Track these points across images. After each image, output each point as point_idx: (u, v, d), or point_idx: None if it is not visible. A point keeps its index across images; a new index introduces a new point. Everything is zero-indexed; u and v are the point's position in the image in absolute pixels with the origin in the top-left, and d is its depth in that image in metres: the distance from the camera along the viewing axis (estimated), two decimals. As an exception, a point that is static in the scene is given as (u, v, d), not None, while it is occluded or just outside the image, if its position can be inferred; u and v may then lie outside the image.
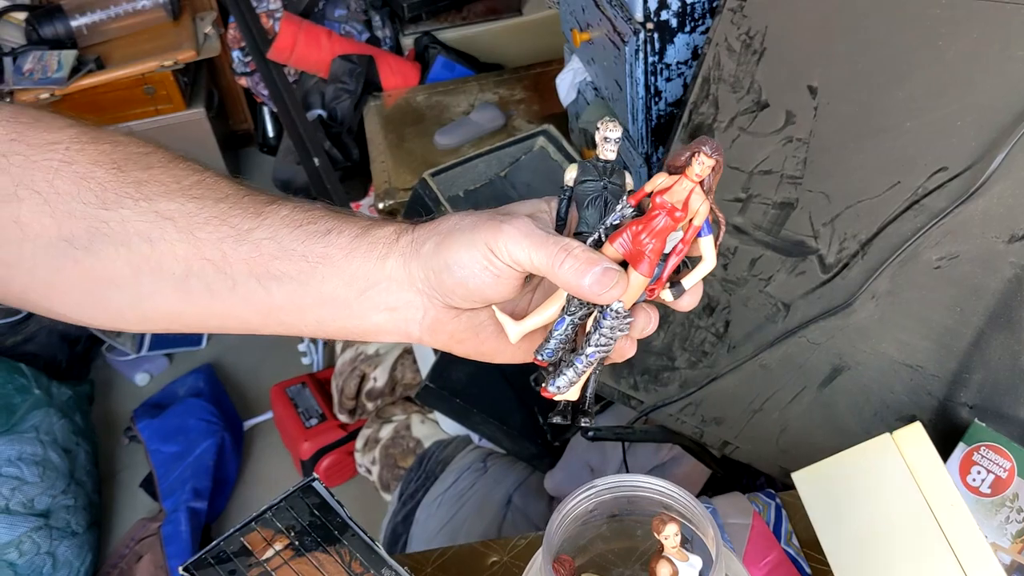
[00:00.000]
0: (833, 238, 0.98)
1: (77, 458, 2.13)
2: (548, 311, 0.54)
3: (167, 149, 0.60)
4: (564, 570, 0.58)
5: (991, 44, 0.88)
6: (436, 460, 1.65)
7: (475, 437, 1.63)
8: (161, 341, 2.55)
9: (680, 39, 1.23)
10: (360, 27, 2.54)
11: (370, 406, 1.95)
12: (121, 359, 2.55)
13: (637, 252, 0.51)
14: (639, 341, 0.57)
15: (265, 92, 2.53)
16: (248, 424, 2.41)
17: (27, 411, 2.05)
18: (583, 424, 0.58)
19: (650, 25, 1.21)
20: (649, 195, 0.51)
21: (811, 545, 0.78)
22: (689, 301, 0.54)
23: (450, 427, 1.72)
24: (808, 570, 0.81)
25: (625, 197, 0.52)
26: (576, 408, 0.58)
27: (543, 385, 0.54)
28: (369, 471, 1.92)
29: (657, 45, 1.24)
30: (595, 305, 0.53)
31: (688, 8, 1.20)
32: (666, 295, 0.53)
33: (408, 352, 1.91)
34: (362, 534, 0.68)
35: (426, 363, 1.65)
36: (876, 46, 0.96)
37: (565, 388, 0.54)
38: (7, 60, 2.63)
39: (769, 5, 1.04)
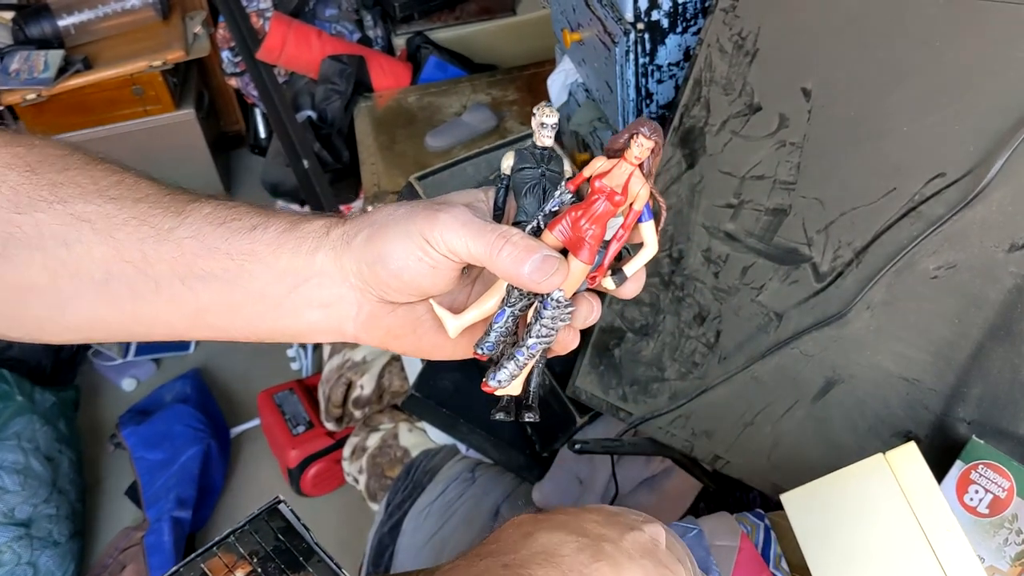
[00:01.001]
0: (827, 246, 0.94)
1: (60, 466, 2.10)
2: (488, 303, 0.52)
3: (86, 151, 0.58)
4: None
5: (991, 45, 0.85)
6: (423, 470, 1.62)
7: (463, 447, 1.59)
8: (149, 346, 2.52)
9: (671, 40, 1.20)
10: (351, 27, 2.50)
11: (357, 414, 1.92)
12: (108, 364, 2.52)
13: (577, 239, 0.50)
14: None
15: (255, 93, 2.50)
16: (235, 431, 2.38)
17: (9, 418, 2.02)
18: (527, 419, 0.56)
19: (640, 25, 1.18)
20: (588, 180, 0.50)
21: (801, 570, 0.74)
22: (632, 288, 0.53)
23: (438, 436, 1.68)
24: (798, 595, 0.78)
25: (564, 183, 0.51)
26: (519, 403, 0.56)
27: (484, 379, 0.52)
28: (356, 480, 1.89)
29: (648, 46, 1.20)
30: (536, 295, 0.52)
31: (679, 8, 1.16)
32: (608, 283, 0.52)
33: (396, 359, 1.88)
34: (328, 560, 0.64)
35: (414, 371, 1.62)
36: (872, 48, 0.93)
37: (506, 382, 0.52)
38: (-6, 60, 2.60)
39: (762, 5, 1.01)
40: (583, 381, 1.14)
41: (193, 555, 0.64)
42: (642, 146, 0.48)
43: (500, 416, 0.56)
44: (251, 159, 3.10)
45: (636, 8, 1.15)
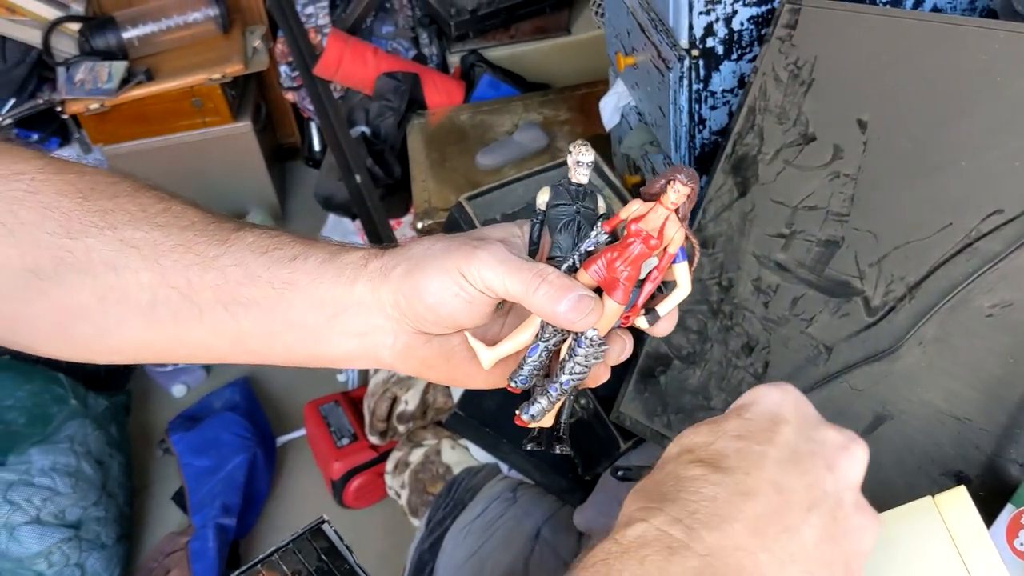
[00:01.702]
0: (880, 279, 0.93)
1: (110, 470, 2.14)
2: (521, 337, 0.53)
3: (135, 179, 0.60)
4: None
5: (1053, 82, 0.84)
6: (465, 488, 1.62)
7: (504, 467, 1.59)
8: (199, 353, 2.55)
9: (726, 67, 1.20)
10: (407, 44, 2.53)
11: (401, 429, 1.93)
12: (159, 370, 2.56)
13: (612, 279, 0.50)
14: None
15: (311, 107, 2.54)
16: (281, 440, 2.40)
17: (63, 421, 2.06)
18: (558, 451, 0.57)
19: (695, 52, 1.17)
20: (623, 222, 0.51)
21: (846, 610, 0.73)
22: (664, 327, 0.54)
23: (480, 454, 1.69)
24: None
25: (599, 223, 0.52)
26: (551, 435, 0.57)
27: (517, 412, 0.53)
28: (398, 494, 1.89)
29: (702, 72, 1.20)
30: (569, 332, 0.52)
31: (735, 36, 1.16)
32: (641, 322, 0.53)
33: (441, 375, 1.88)
34: (369, 582, 0.65)
35: (458, 389, 1.63)
36: (931, 80, 0.92)
37: (539, 416, 0.53)
38: (60, 70, 2.67)
39: (819, 35, 1.01)
40: (627, 407, 1.14)
41: (237, 572, 0.65)
42: (679, 192, 0.49)
43: (531, 446, 0.57)
44: (306, 172, 3.14)
45: (691, 35, 1.15)
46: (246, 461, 2.18)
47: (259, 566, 0.66)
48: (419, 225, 1.97)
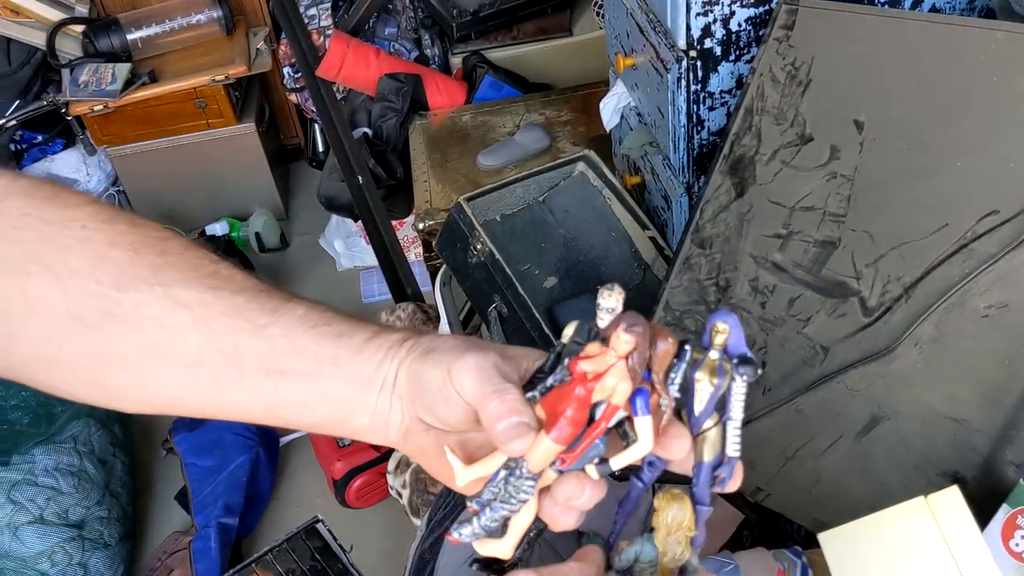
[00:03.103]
0: (876, 280, 0.93)
1: (113, 469, 2.14)
2: (496, 460, 0.51)
3: (182, 235, 0.60)
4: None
5: (1049, 82, 0.84)
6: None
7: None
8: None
9: (724, 68, 1.20)
10: (410, 45, 2.53)
11: (401, 453, 1.93)
12: (163, 370, 2.56)
13: (552, 416, 0.49)
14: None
15: (314, 108, 2.54)
16: (284, 440, 2.41)
17: (67, 421, 2.07)
18: None
19: (693, 53, 1.18)
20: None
21: (839, 610, 0.73)
22: (566, 518, 0.51)
23: (482, 454, 1.68)
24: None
25: (567, 360, 0.50)
26: (496, 564, 0.55)
27: (449, 529, 0.52)
28: (400, 494, 1.89)
29: (700, 73, 1.20)
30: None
31: (733, 36, 1.16)
32: (591, 470, 0.50)
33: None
34: (362, 582, 0.65)
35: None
36: (928, 81, 0.92)
37: (468, 537, 0.51)
38: (64, 72, 2.68)
39: (816, 36, 1.01)
40: (626, 407, 1.14)
41: (232, 572, 0.66)
42: (619, 340, 0.47)
43: (475, 567, 0.56)
44: (309, 172, 3.15)
45: (689, 36, 1.15)
46: (248, 461, 2.18)
47: (253, 565, 0.66)
48: (420, 226, 1.97)
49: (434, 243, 1.65)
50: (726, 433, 0.51)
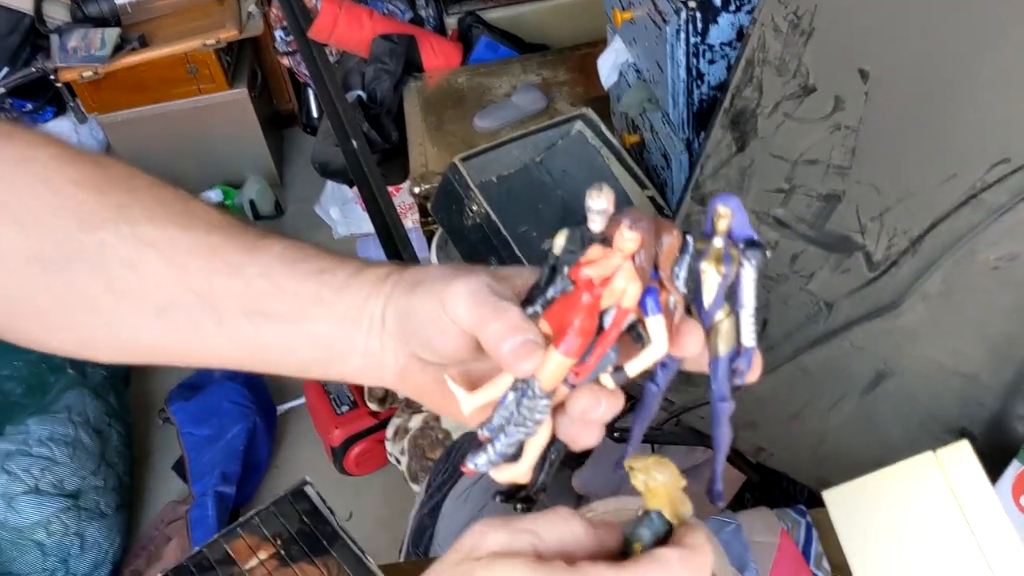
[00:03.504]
0: (882, 234, 0.91)
1: (109, 439, 2.13)
2: (502, 383, 0.48)
3: (151, 174, 0.57)
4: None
5: (1063, 24, 0.80)
6: (464, 453, 1.61)
7: (503, 432, 1.58)
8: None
9: (724, 19, 1.16)
10: (403, 6, 2.49)
11: (400, 395, 1.92)
12: (159, 339, 2.54)
13: (560, 329, 0.46)
14: None
15: (307, 72, 2.50)
16: (281, 408, 2.39)
17: (60, 391, 2.05)
18: (518, 510, 0.52)
19: (693, 4, 1.14)
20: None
21: (843, 569, 0.71)
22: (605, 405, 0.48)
23: (480, 419, 1.67)
24: (840, 596, 0.75)
25: (566, 268, 0.47)
26: (520, 492, 0.52)
27: (463, 460, 0.49)
28: (398, 460, 1.88)
29: (700, 25, 1.17)
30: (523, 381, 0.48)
31: (733, -15, 1.13)
32: (606, 380, 0.48)
33: (439, 341, 1.87)
34: (352, 544, 0.63)
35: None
36: (935, 28, 0.89)
37: (484, 467, 0.49)
38: (53, 38, 2.64)
39: (819, -18, 0.97)
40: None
41: (216, 536, 0.64)
42: (624, 238, 0.44)
43: (499, 499, 0.53)
44: (303, 138, 3.11)
45: (688, -15, 1.12)
46: (245, 430, 2.17)
47: (239, 530, 0.64)
48: (416, 190, 1.94)
49: (429, 206, 1.62)
50: (739, 323, 0.48)
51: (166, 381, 2.48)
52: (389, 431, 1.94)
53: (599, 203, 0.45)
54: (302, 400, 2.35)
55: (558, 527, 0.45)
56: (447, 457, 1.65)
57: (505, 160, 1.49)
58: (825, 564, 0.77)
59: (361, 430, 2.11)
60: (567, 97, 2.08)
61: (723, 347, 0.48)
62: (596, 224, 0.46)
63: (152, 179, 0.56)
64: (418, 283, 0.51)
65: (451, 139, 2.01)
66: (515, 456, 0.49)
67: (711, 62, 1.22)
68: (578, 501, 1.42)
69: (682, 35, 1.18)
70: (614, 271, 0.45)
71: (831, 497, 0.72)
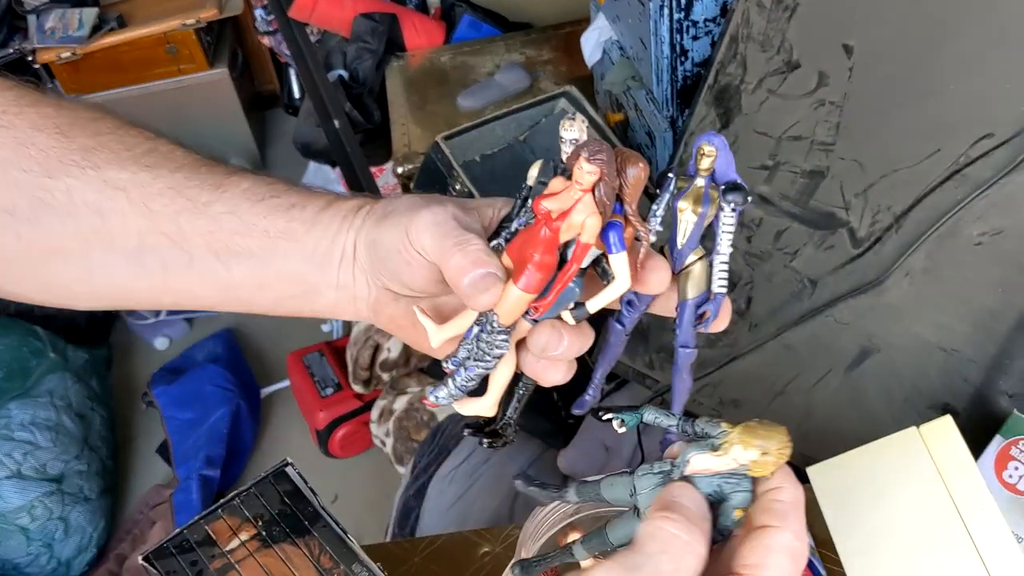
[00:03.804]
0: (866, 210, 0.90)
1: (92, 423, 2.11)
2: (469, 317, 0.48)
3: (116, 115, 0.56)
4: (545, 578, 0.53)
5: (1047, -3, 0.80)
6: (449, 434, 1.60)
7: (488, 412, 1.58)
8: (181, 305, 2.52)
9: (708, -6, 1.15)
10: (386, -15, 2.46)
11: (385, 377, 1.91)
12: (141, 323, 2.52)
13: (520, 263, 0.45)
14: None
15: (288, 52, 2.47)
16: (266, 391, 2.38)
17: (42, 375, 2.03)
18: (484, 444, 0.52)
19: (676, -21, 1.13)
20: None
21: (828, 545, 0.71)
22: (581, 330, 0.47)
23: (465, 400, 1.67)
24: (823, 571, 0.75)
25: (530, 200, 0.46)
26: (488, 427, 0.52)
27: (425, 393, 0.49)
28: (383, 443, 1.88)
29: (683, 1, 1.16)
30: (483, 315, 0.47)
31: (717, -40, 1.12)
32: (567, 316, 0.47)
33: (423, 322, 1.86)
34: (334, 525, 0.63)
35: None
36: (919, 2, 0.88)
37: (445, 399, 0.48)
38: (31, 18, 2.60)
39: (803, -44, 0.97)
40: (609, 347, 1.11)
41: (196, 517, 0.63)
42: (582, 170, 0.42)
43: (467, 432, 0.53)
44: (285, 119, 3.08)
45: (671, -40, 1.11)
46: (229, 413, 2.16)
47: (220, 511, 0.63)
48: (399, 170, 1.92)
49: (412, 185, 1.61)
50: (712, 268, 0.47)
51: (148, 365, 2.46)
52: (374, 413, 1.93)
53: (571, 132, 0.44)
54: (286, 383, 2.34)
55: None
56: (432, 439, 1.65)
57: (488, 139, 1.48)
58: (809, 539, 0.77)
59: (346, 412, 2.11)
60: (551, 76, 2.06)
61: (692, 291, 0.48)
62: (566, 155, 0.45)
63: (118, 121, 0.55)
64: (387, 214, 0.50)
65: (434, 119, 1.99)
66: (480, 390, 0.49)
67: (695, 38, 1.21)
68: (564, 481, 1.42)
69: (666, 11, 1.17)
70: (573, 204, 0.43)
71: (815, 472, 0.72)
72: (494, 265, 0.45)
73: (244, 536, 0.62)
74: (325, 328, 2.44)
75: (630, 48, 1.38)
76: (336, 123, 2.05)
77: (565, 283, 0.45)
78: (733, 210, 0.46)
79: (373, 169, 2.25)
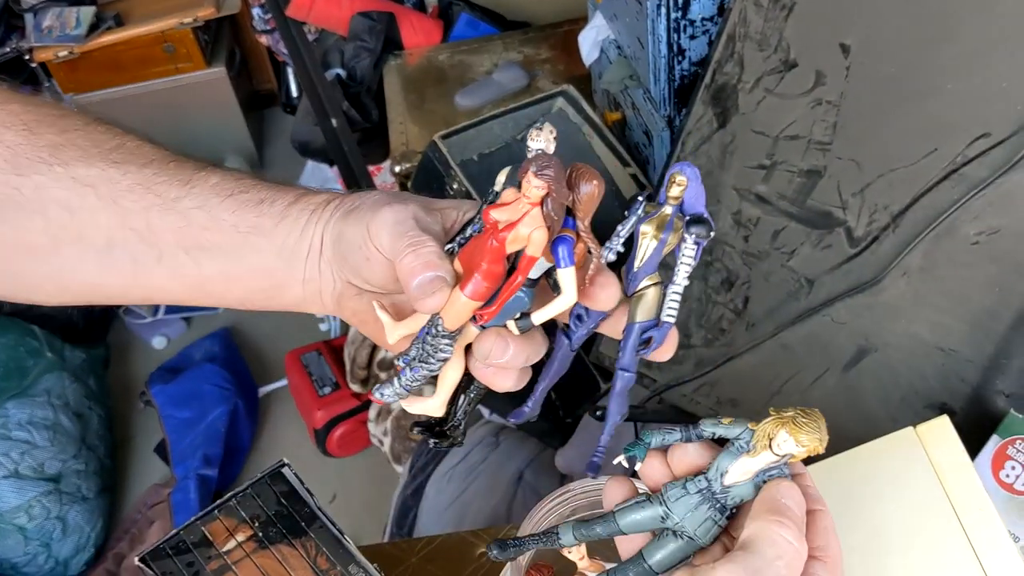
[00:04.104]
0: (863, 209, 0.90)
1: (89, 423, 2.11)
2: (424, 316, 0.48)
3: (84, 112, 0.57)
4: (542, 577, 0.53)
5: (1044, -3, 0.80)
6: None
7: (486, 411, 1.57)
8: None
9: (705, -7, 1.15)
10: (383, -16, 2.46)
11: (383, 376, 1.91)
12: (138, 322, 2.52)
13: (468, 270, 0.45)
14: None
15: (285, 51, 2.47)
16: (263, 390, 2.38)
17: (39, 374, 2.03)
18: (432, 444, 0.53)
19: (673, -22, 1.13)
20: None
21: (826, 545, 0.71)
22: (533, 343, 0.48)
23: (462, 399, 1.66)
24: (822, 571, 0.74)
25: (482, 208, 0.46)
26: (437, 427, 0.53)
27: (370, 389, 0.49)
28: (381, 442, 1.88)
29: (680, 0, 1.16)
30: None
31: (714, -40, 1.12)
32: (511, 325, 0.47)
33: (421, 321, 1.86)
34: (331, 526, 0.63)
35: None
36: (916, 1, 0.88)
37: (391, 397, 0.49)
38: (28, 17, 2.59)
39: (800, -45, 0.96)
40: (607, 347, 1.11)
41: (193, 518, 0.63)
42: (530, 184, 0.42)
43: (416, 431, 0.54)
44: (283, 118, 3.08)
45: (668, -41, 1.11)
46: (227, 412, 2.16)
47: (216, 512, 0.63)
48: (397, 169, 1.92)
49: (410, 184, 1.61)
50: (665, 297, 0.47)
51: (146, 364, 2.46)
52: (372, 412, 1.93)
53: (536, 142, 0.44)
54: (284, 382, 2.34)
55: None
56: (430, 437, 1.65)
57: (486, 138, 1.48)
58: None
59: (343, 411, 2.11)
60: (549, 75, 2.06)
61: (640, 315, 0.48)
62: None
63: (85, 118, 0.56)
64: (353, 209, 0.50)
65: (432, 117, 1.99)
66: (425, 391, 0.49)
67: (692, 37, 1.21)
68: (561, 480, 1.42)
69: (663, 10, 1.17)
70: (521, 216, 0.44)
71: (812, 472, 0.72)
72: (444, 269, 0.46)
73: (241, 537, 0.62)
74: (323, 327, 2.44)
75: (628, 47, 1.38)
76: (334, 122, 2.05)
77: (511, 293, 0.46)
78: (695, 242, 0.46)
79: (371, 168, 2.25)
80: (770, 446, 0.44)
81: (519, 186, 0.44)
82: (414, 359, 0.47)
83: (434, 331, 0.46)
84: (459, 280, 0.46)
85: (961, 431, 0.73)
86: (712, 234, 0.47)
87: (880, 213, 0.89)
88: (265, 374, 2.43)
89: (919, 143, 0.86)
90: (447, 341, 0.46)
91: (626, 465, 0.48)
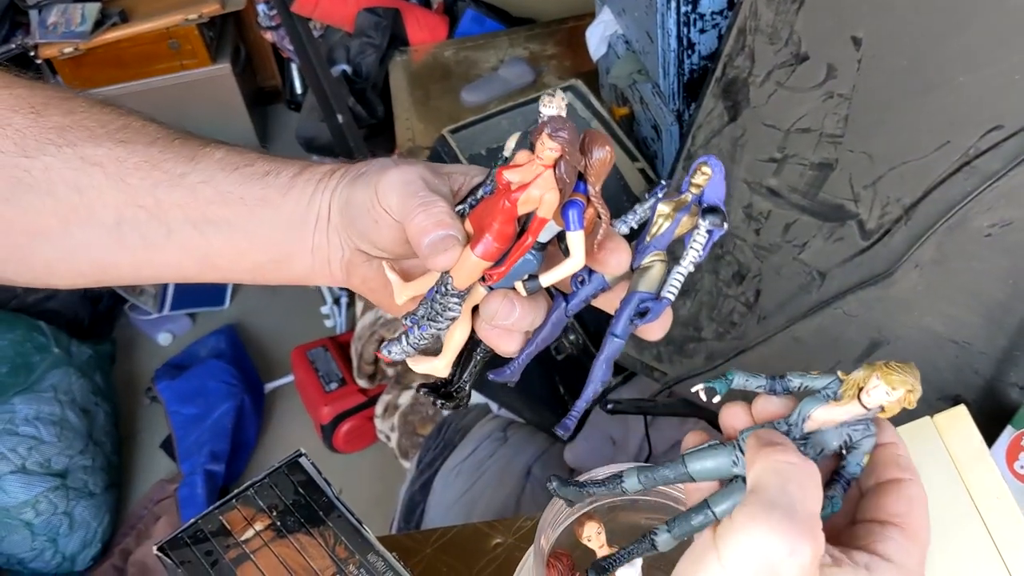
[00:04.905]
0: (875, 202, 0.90)
1: (96, 418, 2.11)
2: (433, 278, 0.49)
3: (88, 95, 0.57)
4: (561, 566, 0.53)
5: (1058, -12, 0.80)
6: (455, 428, 1.60)
7: (494, 406, 1.58)
8: (183, 301, 2.53)
9: (715, -13, 1.15)
10: (388, -20, 2.46)
11: (389, 372, 1.91)
12: (144, 318, 2.53)
13: (479, 230, 0.46)
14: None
15: (291, 47, 2.48)
16: (269, 386, 2.39)
17: (46, 370, 2.03)
18: (438, 405, 0.53)
19: (683, -28, 1.13)
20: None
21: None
22: (531, 306, 0.48)
23: (470, 394, 1.66)
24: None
25: (495, 169, 0.46)
26: (443, 388, 0.53)
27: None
28: (388, 438, 1.88)
29: (690, -7, 1.16)
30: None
31: (724, -47, 1.12)
32: (519, 287, 0.48)
33: (428, 317, 1.86)
34: (349, 515, 0.63)
35: (445, 328, 1.60)
36: (929, -8, 0.88)
37: (398, 355, 0.49)
38: (33, 13, 2.60)
39: (811, -52, 0.96)
40: (617, 340, 1.11)
41: (211, 507, 0.63)
42: (543, 146, 0.43)
43: (423, 392, 0.54)
44: (288, 115, 3.08)
45: (679, -47, 1.11)
46: (233, 408, 2.16)
47: (234, 501, 0.63)
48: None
49: (417, 180, 1.61)
50: (670, 275, 0.48)
51: (152, 360, 2.47)
52: (378, 408, 1.93)
53: (549, 109, 0.45)
54: (290, 378, 2.34)
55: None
56: (437, 433, 1.65)
57: (494, 132, 1.48)
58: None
59: (350, 407, 2.11)
60: (555, 71, 2.06)
61: (643, 286, 0.48)
62: None
63: (92, 99, 0.56)
64: (360, 174, 0.51)
65: (438, 113, 1.99)
66: (436, 351, 0.50)
67: (702, 31, 1.21)
68: (570, 474, 1.42)
69: (673, 4, 1.17)
70: (534, 178, 0.44)
71: (827, 464, 0.72)
72: (455, 228, 0.46)
73: (259, 526, 0.62)
74: (328, 324, 2.45)
75: (636, 42, 1.38)
76: (340, 118, 2.06)
77: (520, 254, 0.46)
78: (708, 230, 0.47)
79: (376, 164, 2.25)
80: (859, 397, 0.43)
81: (532, 148, 0.44)
82: (422, 317, 0.48)
83: (443, 290, 0.47)
84: (469, 240, 0.46)
85: (976, 423, 0.73)
86: (726, 225, 0.47)
87: (892, 206, 0.89)
88: (271, 370, 2.44)
89: (931, 135, 0.86)
90: (456, 300, 0.47)
91: (703, 397, 0.48)
